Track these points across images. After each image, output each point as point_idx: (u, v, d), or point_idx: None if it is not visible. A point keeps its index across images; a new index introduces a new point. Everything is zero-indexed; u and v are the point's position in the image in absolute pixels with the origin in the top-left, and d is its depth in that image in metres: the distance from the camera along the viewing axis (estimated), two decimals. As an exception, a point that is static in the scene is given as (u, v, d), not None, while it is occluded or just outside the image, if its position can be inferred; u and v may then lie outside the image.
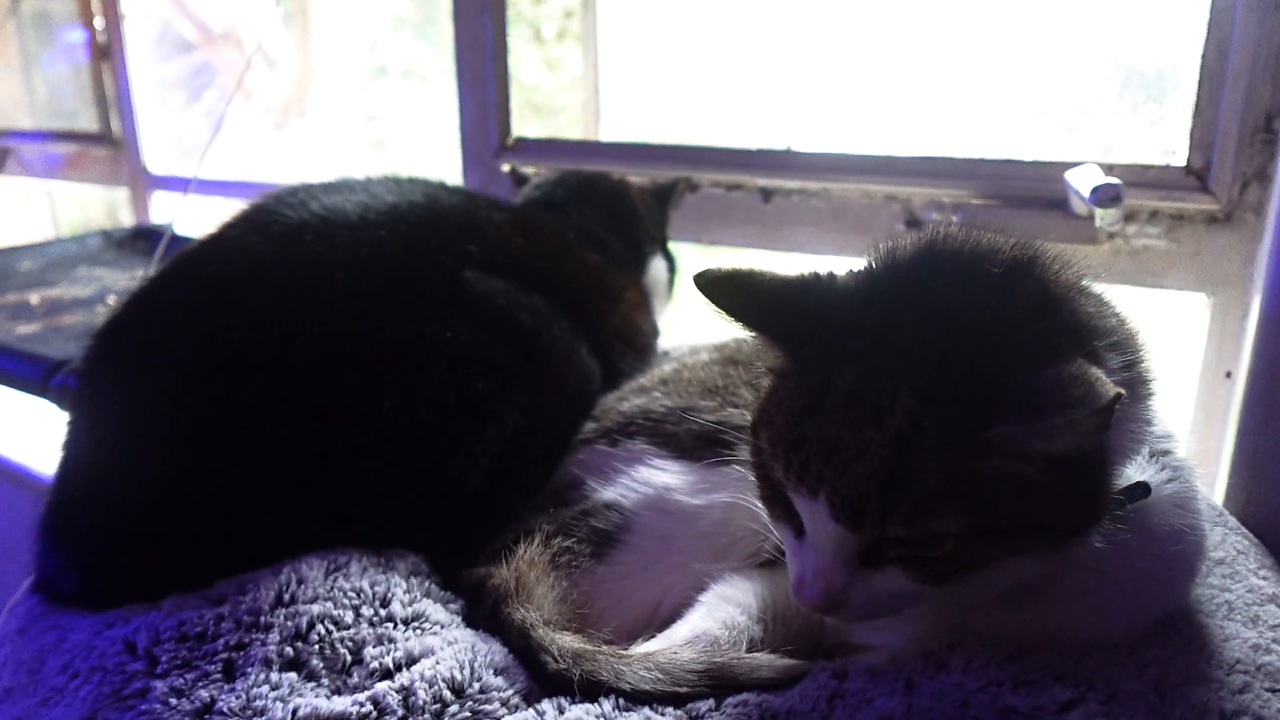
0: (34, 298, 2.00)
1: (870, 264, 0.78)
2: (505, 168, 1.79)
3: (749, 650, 0.80)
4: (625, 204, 1.43)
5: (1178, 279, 1.34)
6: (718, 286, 0.75)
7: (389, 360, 0.90)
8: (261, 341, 0.88)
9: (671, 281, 1.49)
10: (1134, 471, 0.77)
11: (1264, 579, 0.87)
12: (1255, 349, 1.02)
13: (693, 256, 1.74)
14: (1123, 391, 0.59)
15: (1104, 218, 1.17)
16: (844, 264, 0.77)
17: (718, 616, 0.82)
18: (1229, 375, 1.29)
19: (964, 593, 0.73)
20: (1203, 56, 1.25)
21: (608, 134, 2.07)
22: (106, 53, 2.49)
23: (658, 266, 1.45)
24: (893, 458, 0.64)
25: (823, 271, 0.79)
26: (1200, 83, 1.26)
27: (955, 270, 0.73)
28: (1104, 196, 1.11)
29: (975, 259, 0.73)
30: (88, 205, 3.60)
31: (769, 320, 0.74)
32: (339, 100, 4.04)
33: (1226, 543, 0.93)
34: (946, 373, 0.65)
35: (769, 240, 1.66)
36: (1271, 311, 1.01)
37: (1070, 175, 1.26)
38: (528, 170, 1.70)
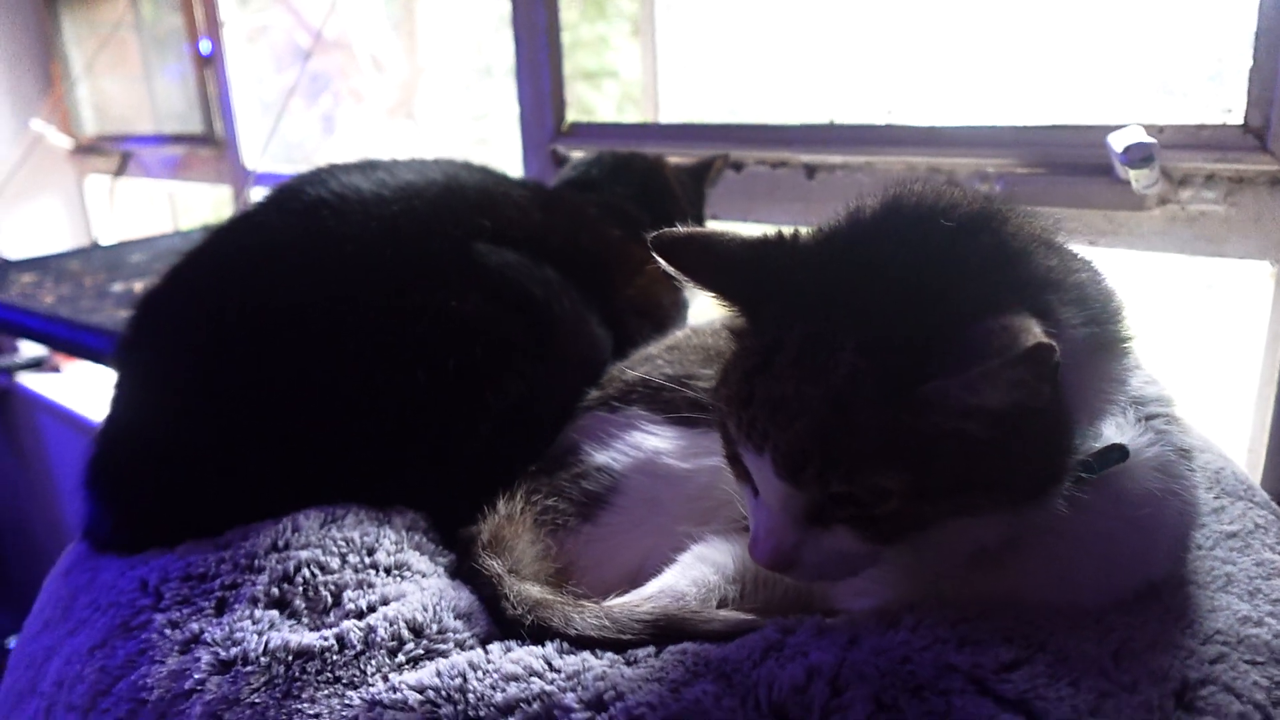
0: (139, 286, 2.18)
1: (833, 223, 0.78)
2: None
3: (719, 608, 0.81)
4: (659, 181, 1.44)
5: (1238, 246, 1.25)
6: (675, 247, 0.76)
7: (389, 328, 0.95)
8: (273, 311, 0.94)
9: None
10: (1114, 433, 0.74)
11: (1279, 554, 0.82)
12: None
13: (742, 236, 1.73)
14: (1046, 342, 0.56)
15: (1139, 180, 1.11)
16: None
17: (690, 575, 0.83)
18: (1294, 347, 1.21)
19: (927, 555, 0.72)
20: (1260, 5, 1.17)
21: (667, 116, 2.08)
22: (210, 61, 2.68)
23: (692, 243, 1.45)
24: (832, 413, 0.64)
25: (786, 231, 0.79)
26: (1257, 34, 1.18)
27: (912, 226, 0.72)
28: (1135, 157, 1.05)
29: (933, 215, 0.71)
30: (220, 205, 3.86)
31: (726, 280, 0.75)
32: (446, 100, 4.19)
33: (1246, 516, 0.87)
34: (891, 328, 0.64)
35: (814, 216, 1.60)
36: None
37: (1112, 138, 1.20)
38: (576, 154, 1.73)
